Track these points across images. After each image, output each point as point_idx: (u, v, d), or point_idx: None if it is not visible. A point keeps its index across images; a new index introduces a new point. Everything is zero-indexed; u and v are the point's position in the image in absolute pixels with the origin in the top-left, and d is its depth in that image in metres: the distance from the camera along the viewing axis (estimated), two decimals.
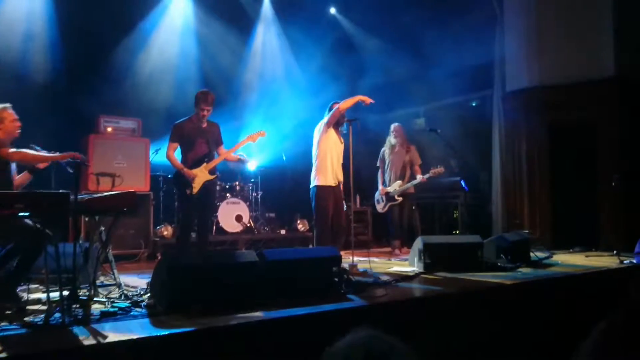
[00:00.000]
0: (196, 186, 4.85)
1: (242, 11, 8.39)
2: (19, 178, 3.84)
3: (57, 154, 3.60)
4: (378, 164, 7.07)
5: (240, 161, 5.27)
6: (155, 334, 2.55)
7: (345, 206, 5.30)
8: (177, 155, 4.99)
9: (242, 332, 2.76)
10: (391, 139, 6.96)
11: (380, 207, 6.98)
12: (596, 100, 6.75)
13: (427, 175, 6.61)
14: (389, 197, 6.83)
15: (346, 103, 5.00)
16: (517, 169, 7.42)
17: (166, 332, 2.57)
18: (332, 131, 5.10)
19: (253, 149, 6.92)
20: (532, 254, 5.32)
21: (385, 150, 7.01)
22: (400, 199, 6.74)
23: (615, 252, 5.57)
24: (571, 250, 6.30)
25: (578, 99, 6.83)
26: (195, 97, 4.94)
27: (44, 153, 3.66)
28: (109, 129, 6.37)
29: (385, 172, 6.96)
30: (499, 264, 4.87)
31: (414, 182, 6.69)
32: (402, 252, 6.54)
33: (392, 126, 7.02)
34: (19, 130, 3.72)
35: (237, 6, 8.26)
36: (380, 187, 6.95)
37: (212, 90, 5.11)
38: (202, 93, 4.94)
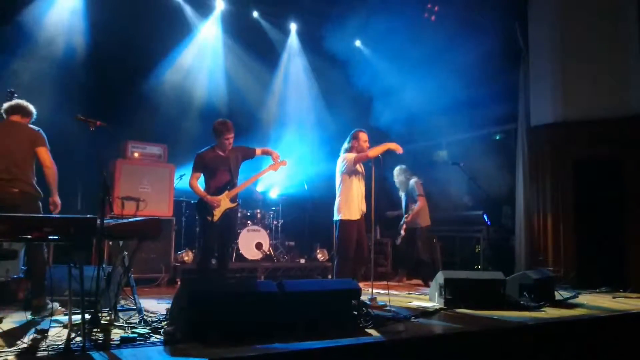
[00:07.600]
0: (217, 214, 4.89)
1: (269, 43, 8.59)
2: None
3: None
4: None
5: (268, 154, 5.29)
6: None
7: (366, 237, 5.28)
8: (201, 184, 5.05)
9: None
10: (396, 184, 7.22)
11: (397, 240, 7.15)
12: (623, 137, 6.65)
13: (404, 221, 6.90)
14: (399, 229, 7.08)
15: (375, 150, 4.99)
16: (541, 204, 7.28)
17: None
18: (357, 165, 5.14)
19: (276, 178, 6.97)
20: (556, 293, 5.18)
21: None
22: (403, 233, 6.92)
23: None
24: (597, 290, 6.10)
25: (604, 135, 6.74)
26: (215, 128, 4.91)
27: None
28: (136, 154, 6.52)
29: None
30: (521, 302, 4.77)
31: (402, 222, 6.96)
32: (401, 281, 6.88)
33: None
34: None
35: (264, 38, 8.47)
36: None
37: (236, 119, 5.19)
38: (220, 123, 4.91)
